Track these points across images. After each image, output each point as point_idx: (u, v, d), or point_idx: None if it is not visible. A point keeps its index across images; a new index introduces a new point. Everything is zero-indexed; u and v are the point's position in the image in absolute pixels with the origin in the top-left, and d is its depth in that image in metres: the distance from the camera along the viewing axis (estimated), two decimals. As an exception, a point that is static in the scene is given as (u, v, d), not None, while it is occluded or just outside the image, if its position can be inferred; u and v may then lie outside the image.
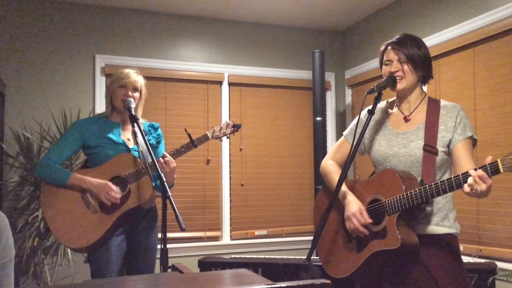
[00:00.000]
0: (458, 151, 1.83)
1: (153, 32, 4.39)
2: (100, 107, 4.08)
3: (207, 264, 3.30)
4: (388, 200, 1.80)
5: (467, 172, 1.60)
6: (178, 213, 1.94)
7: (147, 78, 2.72)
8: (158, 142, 2.65)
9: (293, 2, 4.25)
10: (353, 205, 1.88)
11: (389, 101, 2.08)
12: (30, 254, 3.66)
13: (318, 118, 4.21)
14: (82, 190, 2.45)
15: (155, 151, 2.58)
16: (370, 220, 1.83)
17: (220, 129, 2.62)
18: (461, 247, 2.29)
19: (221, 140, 2.69)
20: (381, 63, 2.00)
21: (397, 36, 1.97)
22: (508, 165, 1.51)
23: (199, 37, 4.56)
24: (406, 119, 1.95)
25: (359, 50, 4.77)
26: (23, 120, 3.90)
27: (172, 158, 2.44)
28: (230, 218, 4.57)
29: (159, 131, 2.69)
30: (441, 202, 1.85)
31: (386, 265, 1.86)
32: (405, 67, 1.90)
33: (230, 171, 4.59)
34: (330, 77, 4.95)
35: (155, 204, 2.64)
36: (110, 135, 2.53)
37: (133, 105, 2.47)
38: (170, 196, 2.00)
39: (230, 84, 4.64)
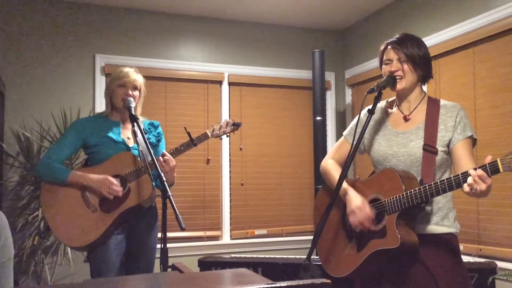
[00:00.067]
0: (457, 150, 1.83)
1: (153, 32, 4.39)
2: (100, 106, 4.08)
3: (207, 264, 3.30)
4: (387, 200, 1.80)
5: (466, 172, 1.60)
6: (178, 213, 1.94)
7: (147, 77, 2.73)
8: (158, 141, 2.65)
9: (293, 2, 4.25)
10: (356, 200, 1.87)
11: (389, 100, 2.08)
12: (30, 253, 3.66)
13: (318, 118, 4.21)
14: (82, 189, 2.46)
15: (155, 149, 2.59)
16: (373, 215, 1.82)
17: (220, 127, 2.62)
18: (461, 247, 2.29)
19: (221, 139, 2.69)
20: (381, 63, 2.00)
21: (397, 36, 1.97)
22: (507, 165, 1.51)
23: (199, 36, 4.56)
24: (405, 119, 1.95)
25: (359, 50, 4.77)
26: (23, 119, 3.90)
27: (171, 157, 2.44)
28: (230, 217, 4.57)
29: (159, 129, 2.69)
30: (441, 202, 1.85)
31: (386, 264, 1.86)
32: (405, 66, 1.90)
33: (230, 171, 4.59)
34: (330, 76, 4.95)
35: (155, 204, 2.64)
36: (110, 134, 2.53)
37: (133, 105, 2.47)
38: (170, 196, 2.00)
39: (230, 83, 4.64)
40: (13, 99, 3.92)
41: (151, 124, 2.67)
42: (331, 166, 2.08)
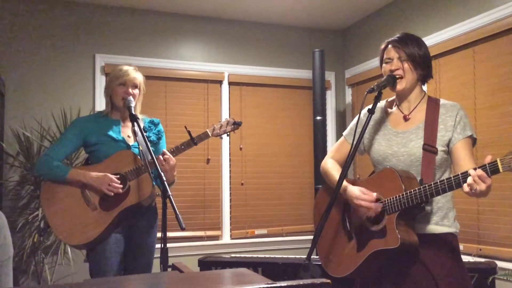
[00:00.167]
0: (457, 150, 1.83)
1: (153, 31, 4.39)
2: (100, 106, 4.08)
3: (207, 264, 3.30)
4: (387, 200, 1.80)
5: (466, 172, 1.60)
6: (178, 212, 1.94)
7: (147, 77, 2.73)
8: (159, 138, 2.65)
9: (293, 2, 4.25)
10: (355, 189, 1.88)
11: (388, 100, 2.08)
12: (30, 253, 3.66)
13: (318, 118, 4.21)
14: (82, 187, 2.46)
15: (156, 147, 2.60)
16: (375, 195, 1.83)
17: (221, 126, 2.62)
18: (461, 246, 2.29)
19: (221, 138, 2.69)
20: (381, 61, 1.99)
21: (398, 35, 1.96)
22: (507, 165, 1.51)
23: (199, 36, 4.56)
24: (405, 118, 1.95)
25: (359, 50, 4.77)
26: (23, 119, 3.90)
27: (171, 156, 2.45)
28: (230, 217, 4.57)
29: (160, 126, 2.69)
30: (440, 201, 1.85)
31: (386, 264, 1.86)
32: (405, 65, 1.90)
33: (230, 170, 4.59)
34: (330, 76, 4.95)
35: (155, 203, 2.64)
36: (110, 132, 2.53)
37: (133, 104, 2.47)
38: (170, 196, 2.00)
39: (230, 83, 4.64)
40: (13, 99, 3.92)
41: (152, 122, 2.67)
42: (331, 166, 2.08)
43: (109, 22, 4.26)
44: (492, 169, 1.54)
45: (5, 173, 3.83)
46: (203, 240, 4.43)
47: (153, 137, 2.61)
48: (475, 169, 1.57)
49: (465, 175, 1.60)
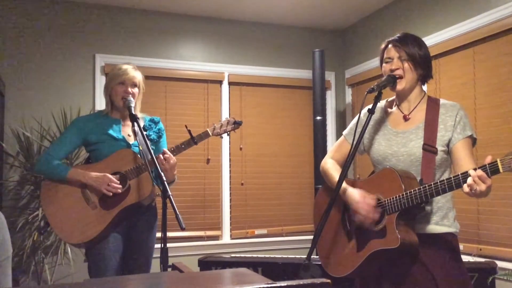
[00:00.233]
0: (457, 150, 1.83)
1: (153, 31, 4.39)
2: (100, 106, 4.08)
3: (207, 264, 3.30)
4: (387, 200, 1.80)
5: (466, 172, 1.59)
6: (178, 212, 1.94)
7: (147, 77, 2.74)
8: (159, 137, 2.65)
9: (293, 2, 4.25)
10: (356, 194, 1.87)
11: (388, 100, 2.08)
12: (30, 253, 3.66)
13: (318, 118, 4.21)
14: (82, 186, 2.46)
15: (157, 146, 2.60)
16: (375, 202, 1.82)
17: (221, 126, 2.62)
18: (461, 246, 2.29)
19: (222, 137, 2.68)
20: (382, 61, 1.99)
21: (398, 35, 1.96)
22: (507, 165, 1.50)
23: (199, 36, 4.56)
24: (405, 118, 1.95)
25: (359, 50, 4.77)
26: (23, 119, 3.90)
27: (172, 155, 2.45)
28: (230, 217, 4.57)
29: (160, 125, 2.69)
30: (440, 201, 1.85)
31: (385, 264, 1.86)
32: (406, 65, 1.90)
33: (230, 170, 4.59)
34: (330, 76, 4.95)
35: (155, 203, 2.64)
36: (110, 131, 2.54)
37: (133, 104, 2.47)
38: (170, 195, 2.00)
39: (230, 83, 4.64)
40: (13, 99, 3.92)
41: (152, 120, 2.67)
42: (331, 166, 2.08)
43: (109, 22, 4.26)
44: (492, 170, 1.54)
45: (5, 173, 3.83)
46: (203, 240, 4.43)
47: (153, 136, 2.61)
48: (475, 169, 1.57)
49: (465, 175, 1.60)
